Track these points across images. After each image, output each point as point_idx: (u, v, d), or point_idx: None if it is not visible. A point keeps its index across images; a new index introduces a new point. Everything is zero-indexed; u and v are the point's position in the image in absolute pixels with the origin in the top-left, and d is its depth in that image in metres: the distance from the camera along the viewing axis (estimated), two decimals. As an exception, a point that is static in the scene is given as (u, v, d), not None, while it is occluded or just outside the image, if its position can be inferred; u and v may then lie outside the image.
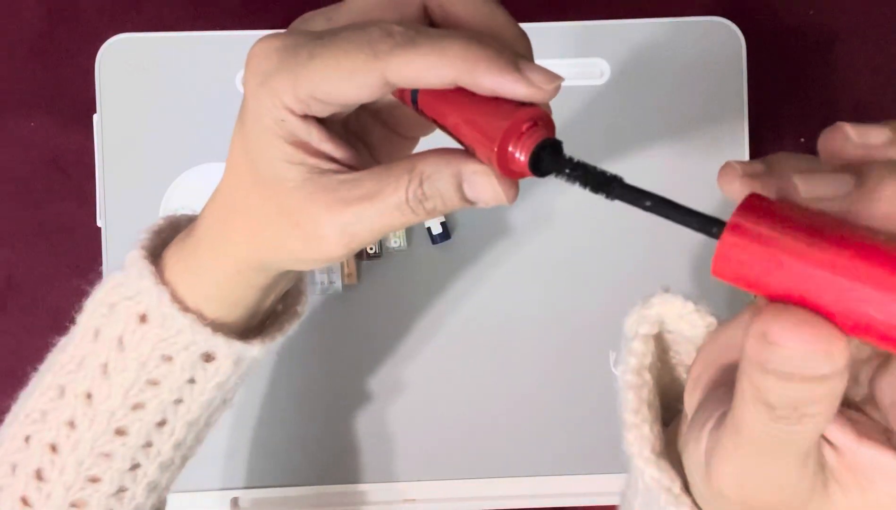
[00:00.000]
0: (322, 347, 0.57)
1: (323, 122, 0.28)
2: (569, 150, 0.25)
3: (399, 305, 0.57)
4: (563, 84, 0.25)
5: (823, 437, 0.22)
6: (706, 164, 0.56)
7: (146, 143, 0.57)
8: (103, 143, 0.56)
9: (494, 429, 0.57)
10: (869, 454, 0.21)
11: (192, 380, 0.33)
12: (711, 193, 0.28)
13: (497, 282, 0.57)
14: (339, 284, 0.56)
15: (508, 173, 0.25)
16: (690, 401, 0.25)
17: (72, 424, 0.34)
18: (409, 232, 0.57)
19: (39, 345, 0.38)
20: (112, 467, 0.34)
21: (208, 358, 0.33)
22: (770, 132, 0.60)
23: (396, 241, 0.56)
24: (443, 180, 0.26)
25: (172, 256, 0.33)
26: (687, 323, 0.28)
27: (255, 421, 0.56)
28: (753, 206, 0.20)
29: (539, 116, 0.25)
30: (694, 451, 0.24)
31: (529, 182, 0.25)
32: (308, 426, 0.57)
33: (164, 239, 0.35)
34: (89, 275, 0.37)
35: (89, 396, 0.33)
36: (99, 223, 0.56)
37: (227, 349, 0.33)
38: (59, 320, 0.37)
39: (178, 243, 0.34)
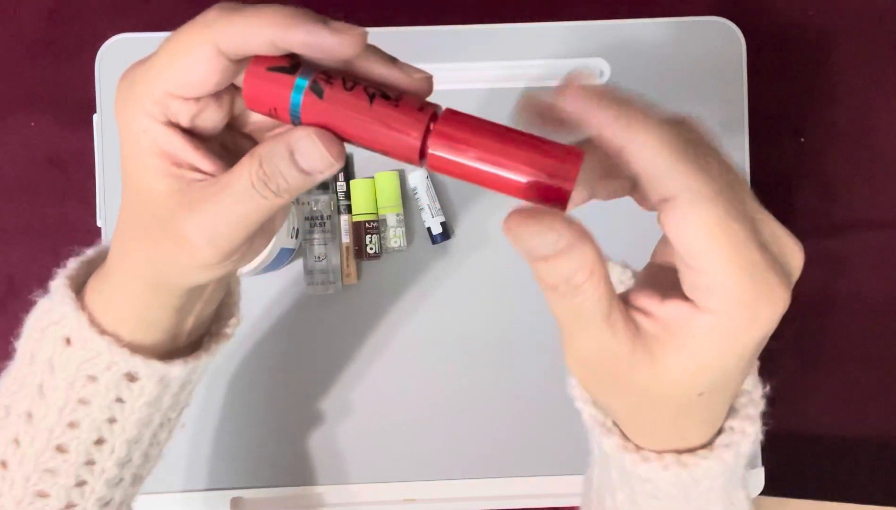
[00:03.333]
0: (322, 347, 0.57)
1: (194, 138, 0.29)
2: None
3: (399, 305, 0.57)
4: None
5: (641, 309, 0.26)
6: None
7: (146, 143, 0.57)
8: (103, 143, 0.56)
9: (495, 429, 0.57)
10: (670, 309, 0.25)
11: (119, 400, 0.35)
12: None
13: (497, 282, 0.57)
14: (339, 284, 0.56)
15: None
16: None
17: (17, 442, 0.35)
18: (409, 232, 0.57)
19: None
20: (58, 483, 0.35)
21: (132, 378, 0.34)
22: (770, 132, 0.60)
23: (396, 241, 0.56)
24: (277, 155, 0.27)
25: (91, 282, 0.35)
26: (625, 287, 0.33)
27: (255, 421, 0.56)
28: (449, 119, 0.26)
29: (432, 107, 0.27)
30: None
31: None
32: (308, 426, 0.57)
33: (92, 269, 0.36)
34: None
35: (30, 415, 0.35)
36: (99, 223, 0.56)
37: (147, 369, 0.34)
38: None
39: (97, 270, 0.36)
